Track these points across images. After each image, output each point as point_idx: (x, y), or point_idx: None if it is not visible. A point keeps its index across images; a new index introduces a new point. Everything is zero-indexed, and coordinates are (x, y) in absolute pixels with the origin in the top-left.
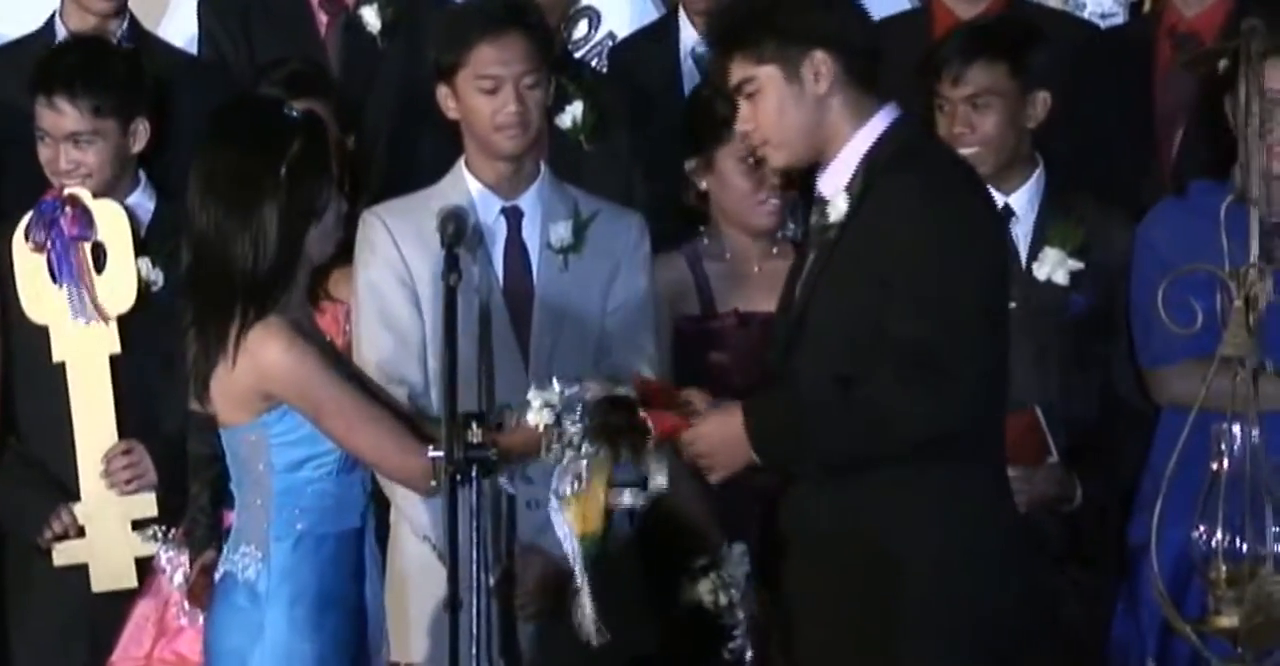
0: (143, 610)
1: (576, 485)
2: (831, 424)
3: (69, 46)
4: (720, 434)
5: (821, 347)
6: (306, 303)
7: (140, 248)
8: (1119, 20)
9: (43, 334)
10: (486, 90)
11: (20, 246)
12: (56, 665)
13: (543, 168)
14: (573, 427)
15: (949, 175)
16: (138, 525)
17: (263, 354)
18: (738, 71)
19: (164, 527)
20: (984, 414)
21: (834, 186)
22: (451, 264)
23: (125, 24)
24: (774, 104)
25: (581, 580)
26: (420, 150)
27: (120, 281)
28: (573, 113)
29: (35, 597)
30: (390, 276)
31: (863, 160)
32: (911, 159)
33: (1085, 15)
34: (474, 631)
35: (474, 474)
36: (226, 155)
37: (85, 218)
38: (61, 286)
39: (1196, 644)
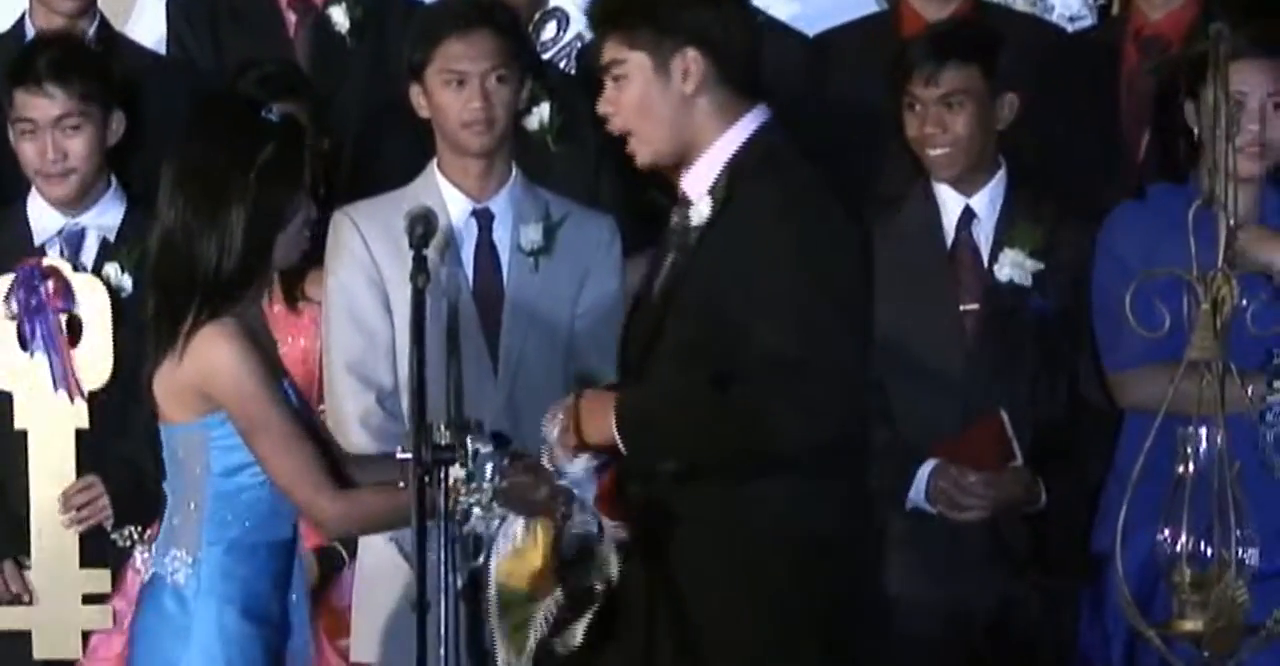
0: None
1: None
2: (704, 423)
3: (43, 42)
4: (592, 406)
5: (678, 353)
6: (263, 307)
7: (110, 252)
8: (1087, 23)
9: (7, 399)
10: (452, 84)
11: None
12: None
13: (514, 170)
14: (484, 484)
15: (809, 183)
16: (89, 599)
17: (210, 355)
18: (609, 51)
19: (139, 528)
20: (852, 425)
21: (698, 190)
22: (419, 265)
23: (95, 24)
24: (638, 92)
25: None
26: (388, 150)
27: (97, 356)
28: (540, 114)
29: None
30: (360, 277)
31: (727, 164)
32: (774, 166)
33: (1053, 18)
34: (441, 633)
35: (442, 475)
36: (199, 153)
37: (65, 289)
38: (33, 355)
39: (1161, 647)
